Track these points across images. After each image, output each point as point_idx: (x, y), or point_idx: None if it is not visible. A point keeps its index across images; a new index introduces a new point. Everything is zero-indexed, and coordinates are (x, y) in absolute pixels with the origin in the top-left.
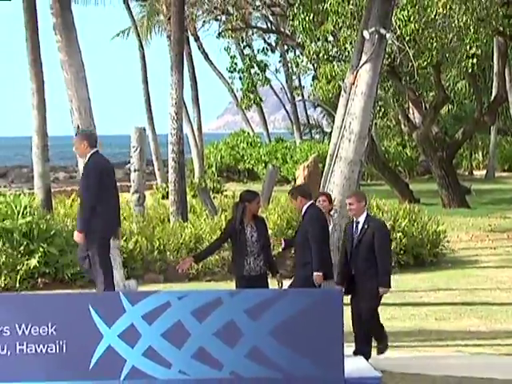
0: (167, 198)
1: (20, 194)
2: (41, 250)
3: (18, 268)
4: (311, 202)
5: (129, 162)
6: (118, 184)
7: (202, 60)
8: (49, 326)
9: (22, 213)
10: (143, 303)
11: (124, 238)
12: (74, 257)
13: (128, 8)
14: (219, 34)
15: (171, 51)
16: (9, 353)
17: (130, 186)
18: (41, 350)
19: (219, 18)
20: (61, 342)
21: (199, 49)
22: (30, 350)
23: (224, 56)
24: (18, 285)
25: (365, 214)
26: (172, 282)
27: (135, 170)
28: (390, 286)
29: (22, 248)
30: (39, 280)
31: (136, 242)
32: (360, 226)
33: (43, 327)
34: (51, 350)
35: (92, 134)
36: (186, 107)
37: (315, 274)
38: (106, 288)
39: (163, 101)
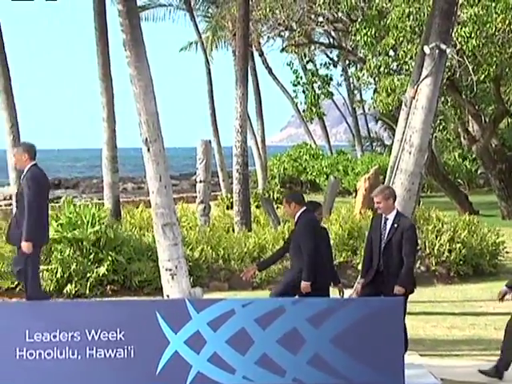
0: (232, 208)
1: (90, 204)
2: (109, 258)
3: (88, 275)
4: (304, 208)
5: (195, 174)
6: (184, 195)
7: (265, 74)
8: (117, 332)
9: (92, 222)
10: (208, 310)
11: (190, 247)
12: (142, 265)
13: (194, 24)
14: (283, 49)
15: (236, 66)
16: (79, 357)
17: (196, 197)
18: (110, 355)
19: (283, 34)
20: (129, 348)
21: (263, 63)
22: (100, 355)
23: (287, 70)
24: (87, 292)
25: (394, 212)
26: (236, 290)
27: (201, 181)
28: (406, 287)
29: (91, 256)
30: (108, 287)
31: (201, 251)
32: (389, 225)
33: (112, 333)
34: (120, 354)
35: (32, 147)
36: (250, 120)
37: (303, 283)
38: (37, 296)
39: (228, 114)
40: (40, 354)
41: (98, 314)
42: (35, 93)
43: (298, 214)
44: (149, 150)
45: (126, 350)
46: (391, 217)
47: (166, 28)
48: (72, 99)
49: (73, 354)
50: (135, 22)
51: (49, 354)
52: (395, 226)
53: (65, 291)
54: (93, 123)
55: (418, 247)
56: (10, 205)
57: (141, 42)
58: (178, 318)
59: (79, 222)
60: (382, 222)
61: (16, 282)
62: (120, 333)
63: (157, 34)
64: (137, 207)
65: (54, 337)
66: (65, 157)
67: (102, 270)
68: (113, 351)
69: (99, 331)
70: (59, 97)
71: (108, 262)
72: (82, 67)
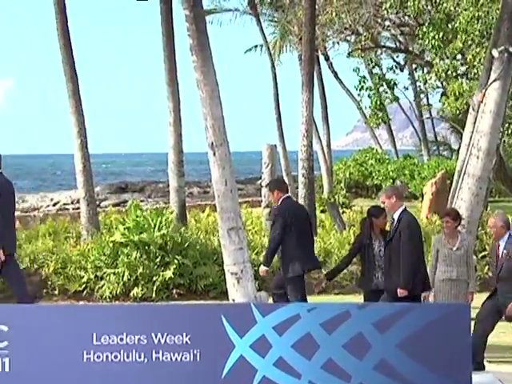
0: None
1: (156, 208)
2: (176, 261)
3: (155, 279)
4: (287, 195)
5: (260, 178)
6: (249, 199)
7: (331, 78)
8: (183, 336)
9: (159, 226)
10: (274, 315)
11: (255, 252)
12: (207, 268)
13: (261, 28)
14: (349, 53)
15: (302, 70)
16: (146, 360)
17: (261, 201)
18: (176, 359)
19: (349, 38)
20: (195, 351)
21: (329, 68)
22: (166, 358)
23: (353, 74)
24: (154, 295)
25: (399, 211)
26: None
27: (266, 186)
28: (407, 288)
29: (158, 260)
30: (174, 291)
31: None
32: (394, 223)
33: (178, 336)
34: (186, 358)
35: None
36: (315, 125)
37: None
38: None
39: (294, 118)
40: (107, 356)
41: (164, 318)
42: (102, 97)
43: (280, 200)
44: (215, 154)
45: (191, 354)
46: (396, 216)
47: (232, 32)
48: (138, 104)
49: (139, 357)
50: (202, 27)
51: (116, 357)
52: (397, 224)
53: (131, 294)
54: (159, 128)
55: (484, 253)
56: (78, 208)
57: (207, 46)
58: (244, 322)
59: (146, 226)
60: (392, 223)
61: (83, 286)
62: (186, 336)
63: (222, 38)
64: (203, 211)
65: (121, 340)
66: (131, 161)
67: (169, 273)
68: (179, 355)
69: (165, 335)
70: (126, 101)
71: (174, 266)
72: (148, 72)
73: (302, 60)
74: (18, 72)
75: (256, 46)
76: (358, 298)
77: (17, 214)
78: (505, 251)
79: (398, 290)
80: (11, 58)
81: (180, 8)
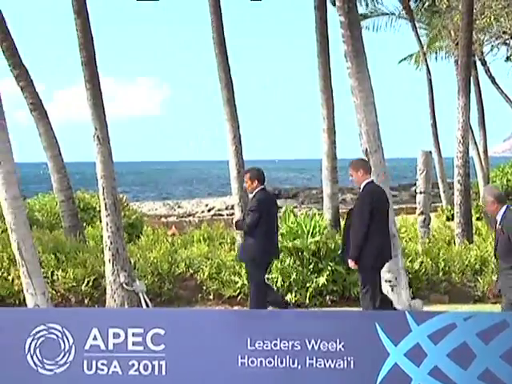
0: (452, 219)
1: (309, 214)
2: (329, 268)
3: (308, 285)
4: (262, 187)
5: (414, 185)
6: (404, 206)
7: (488, 83)
8: (337, 343)
9: (312, 232)
10: (429, 323)
11: (409, 259)
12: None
13: (416, 33)
14: (507, 58)
15: (458, 75)
16: (299, 367)
17: (416, 208)
18: (329, 366)
19: (508, 42)
20: (348, 359)
21: (486, 73)
22: (319, 365)
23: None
24: (307, 301)
25: (363, 184)
26: (457, 303)
27: (421, 192)
28: (354, 259)
29: (311, 266)
30: (327, 297)
31: (421, 263)
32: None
33: (332, 343)
34: (339, 365)
35: None
36: (472, 130)
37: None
38: None
39: (449, 124)
40: (261, 362)
41: (318, 324)
42: (255, 103)
43: (255, 191)
44: (369, 160)
45: (345, 361)
46: (361, 189)
47: (385, 37)
48: (291, 111)
49: (293, 364)
50: (357, 33)
51: (269, 363)
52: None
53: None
54: (312, 134)
55: None
56: (233, 214)
57: (362, 52)
58: (398, 330)
59: (299, 232)
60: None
61: (238, 291)
62: (340, 343)
63: (375, 43)
64: None
65: (275, 345)
66: (284, 167)
67: (322, 280)
68: (332, 361)
69: (319, 341)
70: (279, 108)
71: (327, 272)
72: (301, 79)
73: (459, 65)
74: (174, 80)
75: (411, 56)
76: None
77: (173, 219)
78: (499, 226)
79: (349, 262)
80: (167, 66)
81: (335, 14)
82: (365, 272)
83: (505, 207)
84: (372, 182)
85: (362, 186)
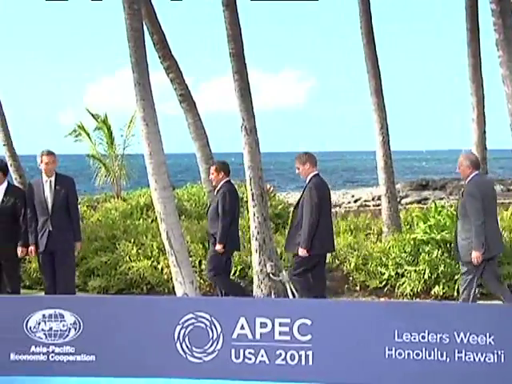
0: None
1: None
2: None
3: (456, 278)
4: (227, 179)
5: None
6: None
7: None
8: (487, 336)
9: None
10: None
11: None
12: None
13: None
14: None
15: None
16: (448, 360)
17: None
18: (479, 359)
19: None
20: (499, 352)
21: None
22: (469, 358)
23: None
24: (455, 294)
25: (309, 177)
26: None
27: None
28: (305, 248)
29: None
30: (476, 290)
31: None
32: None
33: (481, 336)
34: (489, 359)
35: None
36: None
37: None
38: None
39: None
40: (409, 354)
41: (467, 317)
42: (403, 93)
43: (220, 183)
44: None
45: (495, 355)
46: (307, 181)
47: None
48: (439, 100)
49: (441, 356)
50: (509, 21)
51: (417, 355)
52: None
53: (432, 292)
54: (460, 124)
55: None
56: (379, 205)
57: None
58: None
59: (448, 224)
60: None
61: (384, 282)
62: (490, 337)
63: None
64: (506, 209)
65: (423, 338)
66: (433, 158)
67: None
68: (482, 355)
69: (468, 334)
70: (427, 98)
71: None
72: (448, 68)
73: None
74: (320, 71)
75: None
76: None
77: None
78: (463, 189)
79: (299, 250)
80: (314, 58)
81: (486, 2)
82: None
83: (475, 173)
84: (318, 174)
85: (307, 179)
